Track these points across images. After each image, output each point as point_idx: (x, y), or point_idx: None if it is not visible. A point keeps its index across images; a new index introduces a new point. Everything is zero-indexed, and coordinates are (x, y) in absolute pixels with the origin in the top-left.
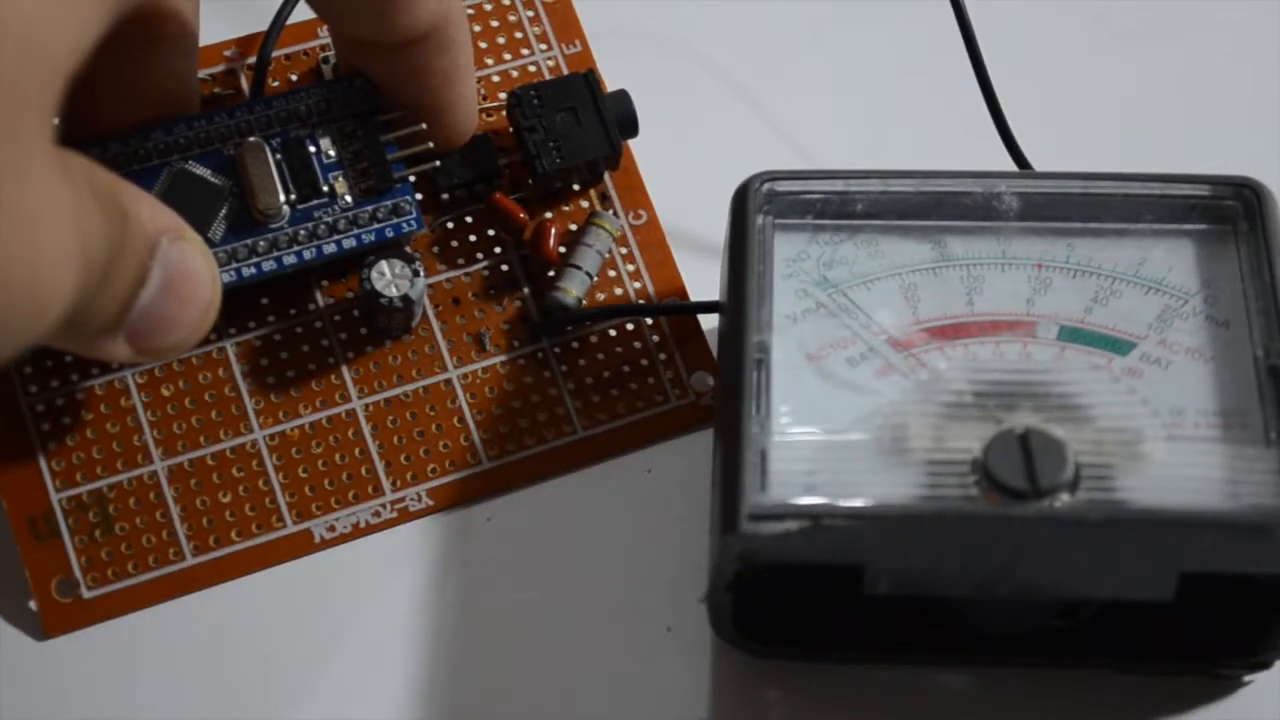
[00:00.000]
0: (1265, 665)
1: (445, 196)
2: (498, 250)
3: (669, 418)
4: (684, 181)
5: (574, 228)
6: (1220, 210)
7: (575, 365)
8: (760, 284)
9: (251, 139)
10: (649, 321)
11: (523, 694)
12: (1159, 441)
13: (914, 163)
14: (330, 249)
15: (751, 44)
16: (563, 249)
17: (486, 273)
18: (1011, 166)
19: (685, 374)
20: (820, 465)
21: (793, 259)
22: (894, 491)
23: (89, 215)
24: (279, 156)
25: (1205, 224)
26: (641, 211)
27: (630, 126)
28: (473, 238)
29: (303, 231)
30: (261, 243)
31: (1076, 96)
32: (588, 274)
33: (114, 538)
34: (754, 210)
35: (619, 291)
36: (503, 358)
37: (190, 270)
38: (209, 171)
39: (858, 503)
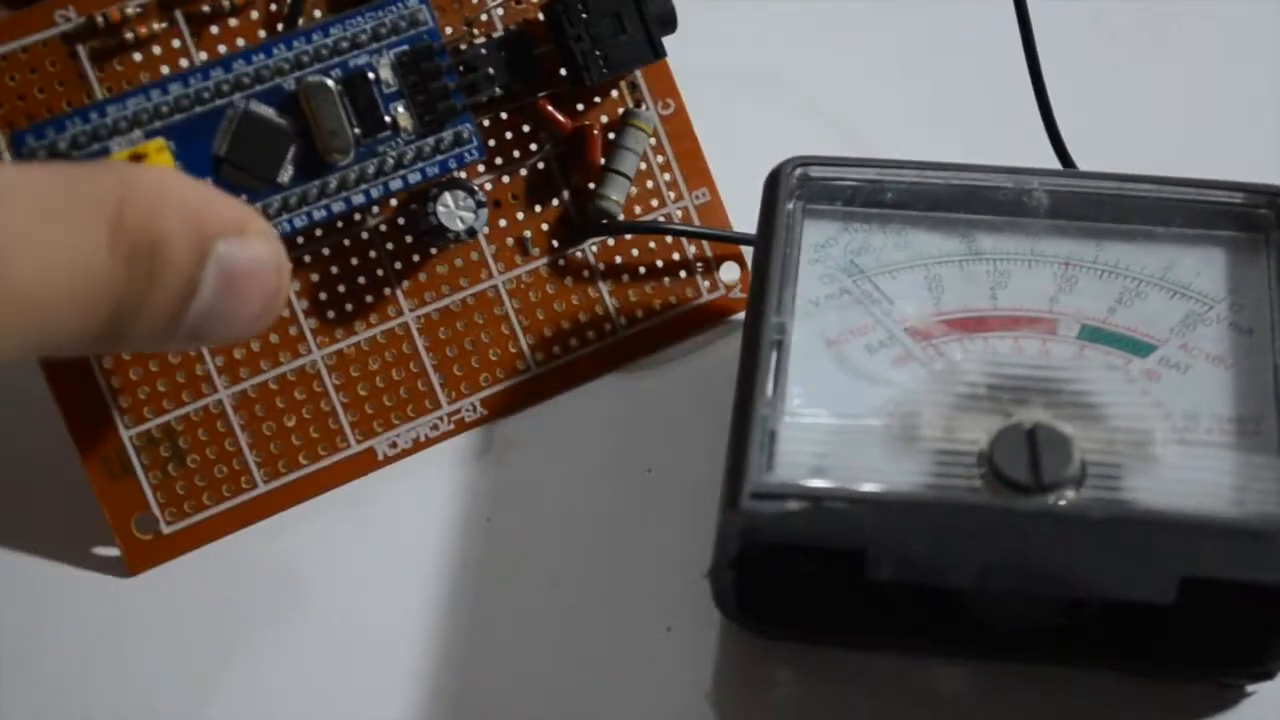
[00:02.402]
0: (1269, 675)
1: (485, 99)
2: (533, 147)
3: (701, 311)
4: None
5: (604, 119)
6: (1252, 218)
7: (612, 264)
8: (784, 267)
9: (313, 78)
10: (679, 213)
11: (527, 676)
12: (1169, 444)
13: (948, 151)
14: (396, 184)
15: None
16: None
17: (525, 172)
18: (1052, 162)
19: (714, 266)
20: (829, 449)
21: (821, 244)
22: (900, 479)
23: (101, 264)
24: (341, 89)
25: (1236, 231)
26: (670, 101)
27: (670, 23)
28: (509, 135)
29: (370, 168)
30: (332, 182)
31: (1111, 96)
32: (627, 178)
33: (186, 470)
34: (785, 194)
35: (650, 184)
36: (544, 261)
37: (251, 267)
38: (273, 112)
39: (862, 487)
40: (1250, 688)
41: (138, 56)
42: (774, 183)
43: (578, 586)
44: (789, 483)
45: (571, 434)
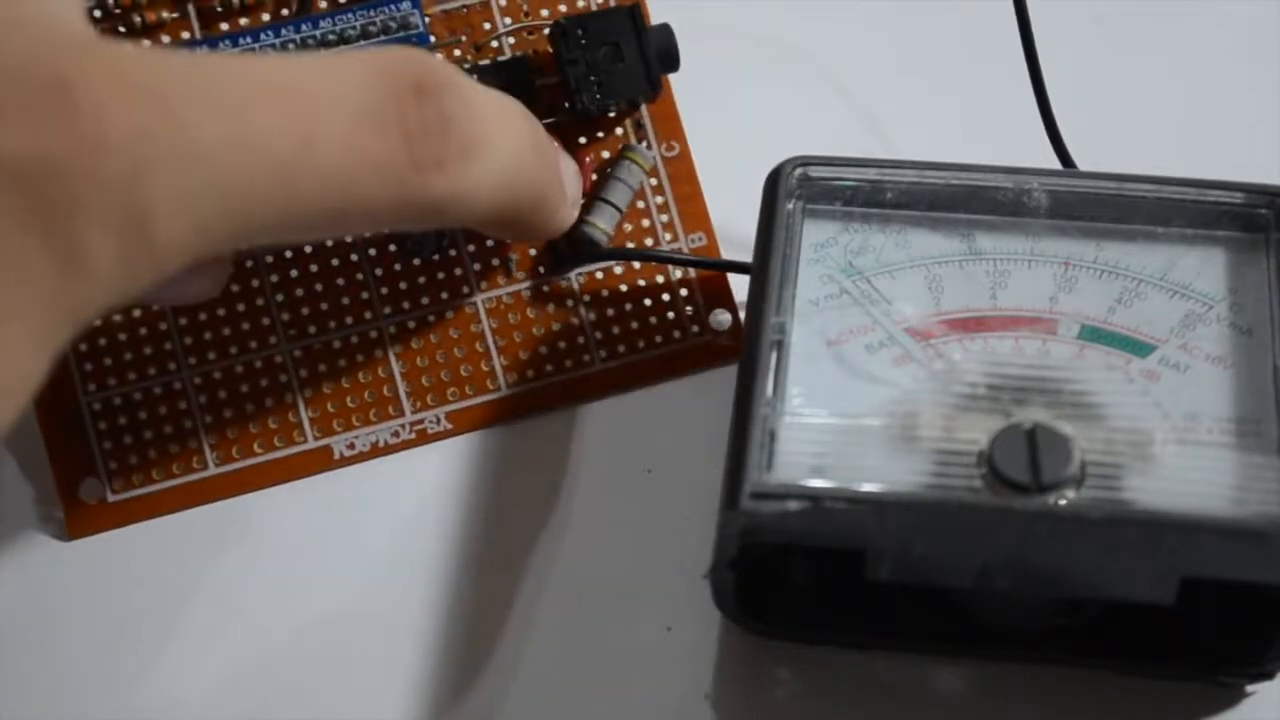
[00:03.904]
0: (1268, 676)
1: None
2: None
3: (687, 354)
4: (720, 124)
5: (606, 154)
6: (1252, 218)
7: (598, 296)
8: (784, 267)
9: None
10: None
11: (527, 676)
12: (1169, 444)
13: (948, 151)
14: None
15: (800, 14)
16: (594, 176)
17: None
18: (1052, 162)
19: (704, 311)
20: (829, 449)
21: (821, 244)
22: (900, 479)
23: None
24: None
25: (1236, 231)
26: (674, 143)
27: (671, 61)
28: None
29: None
30: None
31: (1096, 98)
32: (617, 209)
33: (141, 443)
34: (784, 194)
35: (646, 223)
36: (527, 284)
37: (194, 294)
38: None
39: (861, 487)
40: (1250, 688)
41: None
42: (774, 182)
43: (578, 586)
44: (789, 483)
45: (571, 433)
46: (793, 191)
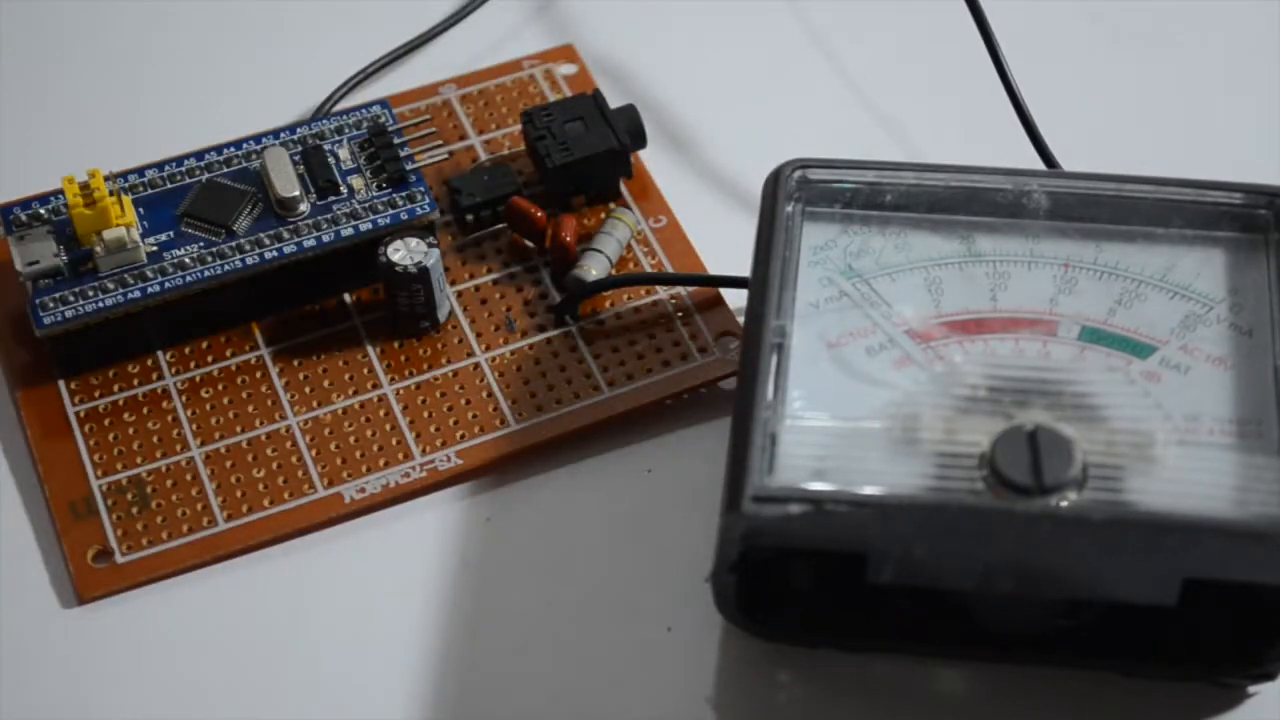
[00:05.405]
0: (1269, 676)
1: (470, 218)
2: (524, 261)
3: (692, 374)
4: (702, 182)
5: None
6: (1252, 219)
7: (600, 340)
8: (784, 270)
9: (274, 150)
10: (671, 298)
11: (528, 676)
12: (1170, 446)
13: (948, 153)
14: (348, 233)
15: (754, 47)
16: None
17: (512, 278)
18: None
19: (710, 337)
20: (830, 451)
21: (820, 247)
22: (902, 481)
23: None
24: (298, 159)
25: (1236, 232)
26: (661, 216)
27: (638, 137)
28: (499, 251)
29: (323, 221)
30: (284, 231)
31: (1096, 98)
32: (607, 258)
33: (150, 513)
34: (784, 197)
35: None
36: (529, 341)
37: None
38: (236, 181)
39: (862, 490)
40: (1251, 688)
41: None
42: (773, 185)
43: (578, 587)
44: (790, 486)
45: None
46: (792, 194)
